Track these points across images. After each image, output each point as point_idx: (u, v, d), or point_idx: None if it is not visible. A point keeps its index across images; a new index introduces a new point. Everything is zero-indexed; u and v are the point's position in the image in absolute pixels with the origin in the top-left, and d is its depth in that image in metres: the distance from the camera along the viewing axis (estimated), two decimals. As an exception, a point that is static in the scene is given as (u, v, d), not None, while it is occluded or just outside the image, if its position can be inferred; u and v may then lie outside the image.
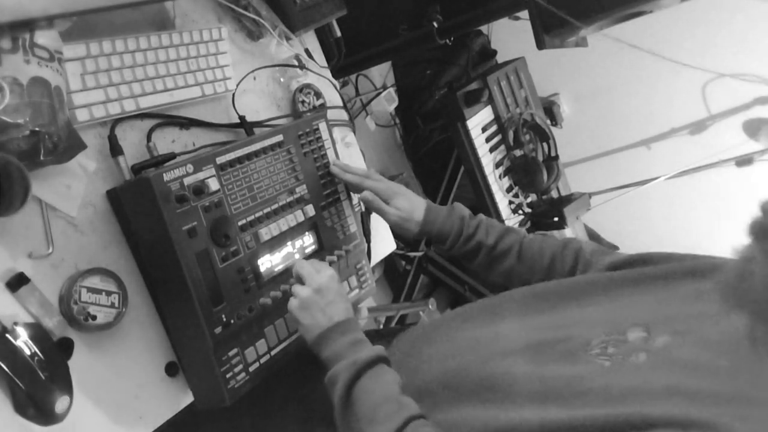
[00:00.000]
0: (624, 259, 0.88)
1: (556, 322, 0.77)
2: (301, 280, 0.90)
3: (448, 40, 1.66)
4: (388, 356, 0.81)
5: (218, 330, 0.88)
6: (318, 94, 1.25)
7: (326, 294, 0.86)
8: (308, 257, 1.03)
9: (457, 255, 1.05)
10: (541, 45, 1.53)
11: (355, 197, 1.14)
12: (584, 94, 2.60)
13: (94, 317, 0.83)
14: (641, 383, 0.61)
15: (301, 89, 1.21)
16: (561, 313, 0.79)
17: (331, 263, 1.05)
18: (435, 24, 1.64)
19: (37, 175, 0.80)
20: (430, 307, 2.16)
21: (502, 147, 1.71)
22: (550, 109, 2.36)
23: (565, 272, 0.97)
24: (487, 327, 0.83)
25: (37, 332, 0.78)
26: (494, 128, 1.71)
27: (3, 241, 0.79)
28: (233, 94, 1.07)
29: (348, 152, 1.30)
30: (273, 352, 0.97)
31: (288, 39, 1.19)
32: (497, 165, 1.69)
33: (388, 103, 2.51)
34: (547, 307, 0.81)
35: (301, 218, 1.03)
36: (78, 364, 0.83)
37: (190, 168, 0.87)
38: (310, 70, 1.25)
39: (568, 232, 1.82)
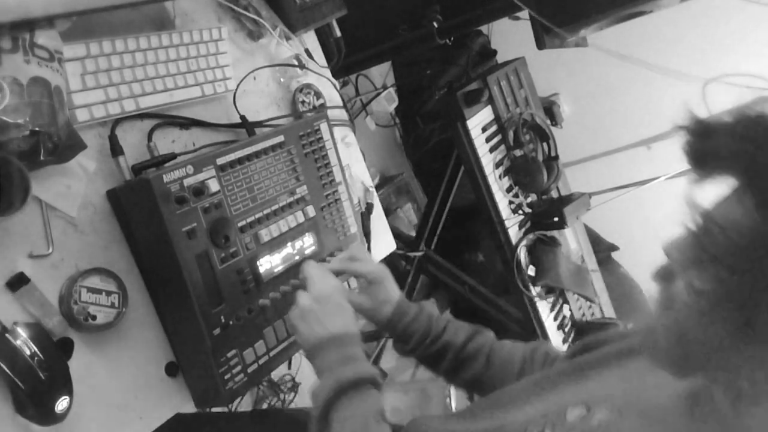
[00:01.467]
0: (571, 350, 0.87)
1: (498, 418, 0.76)
2: (305, 283, 0.88)
3: (448, 40, 1.67)
4: None
5: (217, 331, 0.88)
6: (318, 94, 1.25)
7: (326, 304, 0.84)
8: (307, 258, 1.03)
9: (421, 358, 0.98)
10: (541, 45, 1.53)
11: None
12: (584, 94, 2.60)
13: (94, 317, 0.83)
14: None
15: (301, 89, 1.21)
16: (502, 412, 0.77)
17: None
18: (435, 24, 1.64)
19: (37, 175, 0.80)
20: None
21: (502, 147, 1.71)
22: (550, 109, 2.36)
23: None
24: None
25: (37, 332, 0.78)
26: (494, 128, 1.71)
27: (3, 241, 0.79)
28: (234, 94, 1.07)
29: (348, 152, 1.30)
30: (271, 354, 0.97)
31: (288, 39, 1.19)
32: (497, 165, 1.69)
33: (388, 103, 2.51)
34: (489, 406, 0.80)
35: (302, 219, 1.03)
36: (78, 364, 0.83)
37: (190, 169, 0.87)
38: (310, 70, 1.25)
39: (568, 232, 1.82)
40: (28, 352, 0.76)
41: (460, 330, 0.97)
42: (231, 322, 0.90)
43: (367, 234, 1.24)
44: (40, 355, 0.77)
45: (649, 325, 0.59)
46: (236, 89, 1.08)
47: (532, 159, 1.69)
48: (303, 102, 1.21)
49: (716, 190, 0.54)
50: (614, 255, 2.44)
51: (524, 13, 1.53)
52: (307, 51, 1.24)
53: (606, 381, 0.71)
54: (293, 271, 1.01)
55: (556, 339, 1.79)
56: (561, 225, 1.69)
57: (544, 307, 1.76)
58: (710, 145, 0.54)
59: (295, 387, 2.22)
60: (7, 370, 0.75)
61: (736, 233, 0.49)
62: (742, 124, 0.52)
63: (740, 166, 0.51)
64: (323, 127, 1.10)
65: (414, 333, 0.96)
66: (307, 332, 0.82)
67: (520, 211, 1.73)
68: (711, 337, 0.52)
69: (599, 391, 0.69)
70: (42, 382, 0.76)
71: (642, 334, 0.61)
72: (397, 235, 2.01)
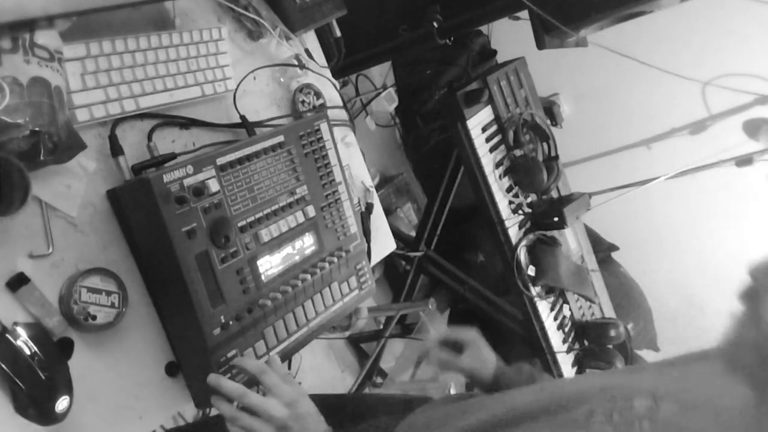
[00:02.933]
0: None
1: (562, 392, 0.77)
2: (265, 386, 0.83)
3: (448, 40, 1.66)
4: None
5: (217, 331, 0.88)
6: (318, 94, 1.25)
7: (304, 420, 0.81)
8: (307, 258, 1.03)
9: None
10: (541, 45, 1.53)
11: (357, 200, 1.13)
12: (584, 94, 2.60)
13: (94, 317, 0.83)
14: None
15: (301, 89, 1.21)
16: (568, 384, 0.79)
17: (330, 263, 1.05)
18: (435, 24, 1.64)
19: (37, 175, 0.80)
20: (430, 307, 2.16)
21: (502, 147, 1.71)
22: (550, 109, 2.36)
23: None
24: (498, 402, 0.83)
25: (37, 332, 0.78)
26: (494, 128, 1.71)
27: (3, 241, 0.79)
28: (234, 94, 1.07)
29: (348, 152, 1.30)
30: (272, 354, 0.97)
31: (288, 39, 1.19)
32: (497, 165, 1.69)
33: (388, 103, 2.52)
34: (558, 383, 0.81)
35: (302, 219, 1.03)
36: (78, 364, 0.83)
37: (190, 169, 0.87)
38: (310, 70, 1.25)
39: (568, 232, 1.82)
40: (28, 352, 0.76)
41: None
42: (231, 322, 0.90)
43: (367, 234, 1.24)
44: (40, 355, 0.77)
45: (732, 338, 0.60)
46: (236, 89, 1.08)
47: (532, 159, 1.69)
48: (303, 102, 1.21)
49: None
50: (614, 255, 2.44)
51: (524, 13, 1.54)
52: (307, 51, 1.24)
53: (674, 377, 0.72)
54: (293, 271, 1.01)
55: (556, 339, 1.79)
56: (561, 225, 1.69)
57: (544, 307, 1.76)
58: None
59: (295, 387, 2.22)
60: (7, 370, 0.75)
61: None
62: None
63: None
64: (323, 127, 1.10)
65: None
66: None
67: (520, 211, 1.73)
68: None
69: (668, 385, 0.69)
70: (42, 382, 0.76)
71: (723, 344, 0.62)
72: (397, 235, 2.01)
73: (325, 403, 0.87)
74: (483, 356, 1.03)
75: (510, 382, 1.00)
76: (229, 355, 0.90)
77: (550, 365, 1.77)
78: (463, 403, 0.87)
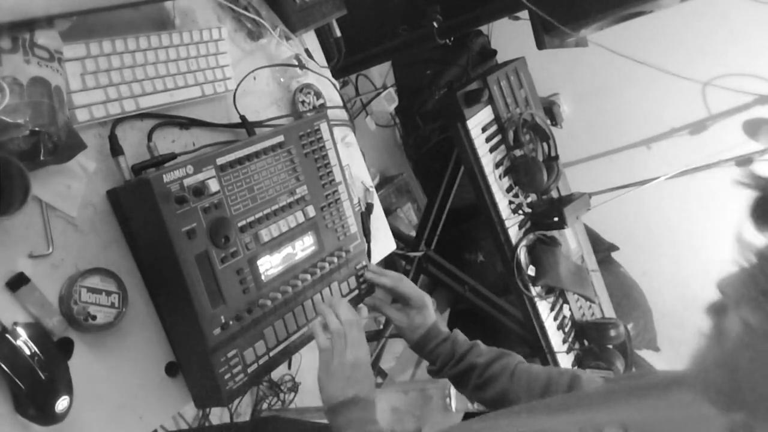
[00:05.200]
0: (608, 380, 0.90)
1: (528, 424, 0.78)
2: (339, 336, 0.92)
3: (448, 40, 1.67)
4: None
5: (217, 331, 0.88)
6: (318, 94, 1.25)
7: (358, 370, 0.89)
8: (307, 258, 1.03)
9: (449, 378, 1.08)
10: (541, 45, 1.53)
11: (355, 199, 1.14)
12: (584, 94, 2.60)
13: (94, 317, 0.83)
14: None
15: (301, 89, 1.21)
16: (538, 419, 0.79)
17: (330, 263, 1.05)
18: (435, 24, 1.64)
19: (37, 175, 0.80)
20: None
21: (502, 147, 1.71)
22: (550, 109, 2.36)
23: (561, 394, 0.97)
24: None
25: (37, 332, 0.78)
26: (494, 128, 1.71)
27: (3, 241, 0.79)
28: (234, 94, 1.07)
29: (348, 152, 1.30)
30: (272, 353, 0.97)
31: (288, 39, 1.19)
32: (497, 165, 1.69)
33: (388, 103, 2.51)
34: (529, 413, 0.82)
35: (302, 219, 1.03)
36: (78, 364, 0.83)
37: (190, 169, 0.87)
38: (310, 70, 1.25)
39: (568, 232, 1.82)
40: (28, 352, 0.76)
41: (485, 352, 1.06)
42: (231, 322, 0.90)
43: (367, 234, 1.24)
44: (40, 355, 0.77)
45: (699, 357, 0.60)
46: (236, 89, 1.08)
47: (532, 159, 1.69)
48: (303, 102, 1.21)
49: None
50: (614, 255, 2.44)
51: (524, 13, 1.54)
52: (307, 51, 1.24)
53: (645, 408, 0.72)
54: (293, 271, 1.01)
55: (556, 339, 1.79)
56: (561, 225, 1.69)
57: (544, 307, 1.76)
58: None
59: (295, 387, 2.22)
60: (7, 370, 0.75)
61: None
62: None
63: None
64: (323, 127, 1.10)
65: (439, 355, 1.06)
66: (335, 392, 0.88)
67: (520, 211, 1.73)
68: (761, 373, 0.53)
69: (638, 416, 0.70)
70: (42, 382, 0.76)
71: (691, 365, 0.62)
72: (397, 235, 2.01)
73: None
74: (417, 322, 1.08)
75: (431, 350, 1.07)
76: (229, 354, 0.90)
77: (550, 365, 1.77)
78: None
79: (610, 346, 1.83)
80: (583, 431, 0.69)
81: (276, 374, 2.18)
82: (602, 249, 2.37)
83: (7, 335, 0.76)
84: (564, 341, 1.82)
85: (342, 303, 0.96)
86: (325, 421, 0.89)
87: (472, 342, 1.07)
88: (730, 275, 0.57)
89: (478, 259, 2.50)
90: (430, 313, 1.09)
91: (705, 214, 2.38)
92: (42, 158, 0.76)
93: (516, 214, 1.72)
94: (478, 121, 1.67)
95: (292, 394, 2.22)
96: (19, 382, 0.75)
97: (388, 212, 2.71)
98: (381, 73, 2.73)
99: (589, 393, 0.83)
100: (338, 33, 1.34)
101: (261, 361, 0.95)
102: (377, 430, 0.84)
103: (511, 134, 1.70)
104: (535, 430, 0.74)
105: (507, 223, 1.69)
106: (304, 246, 1.03)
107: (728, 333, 0.56)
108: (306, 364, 2.23)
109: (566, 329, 1.83)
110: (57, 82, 0.78)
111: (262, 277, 0.95)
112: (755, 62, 2.15)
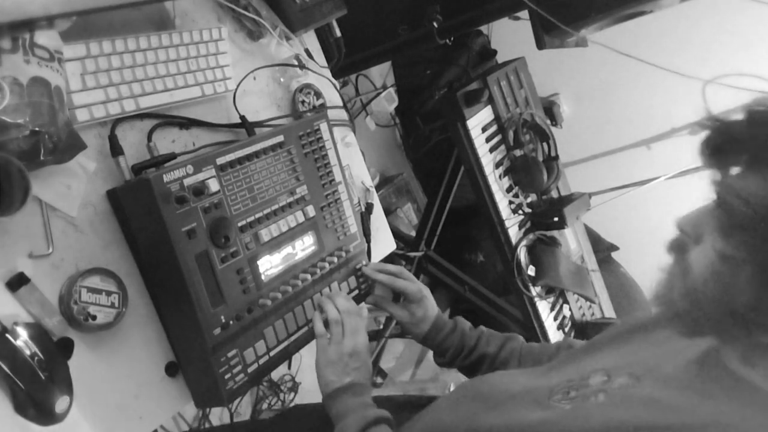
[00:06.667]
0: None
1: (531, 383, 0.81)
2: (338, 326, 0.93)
3: (448, 40, 1.67)
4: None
5: (217, 331, 0.88)
6: (318, 94, 1.25)
7: (356, 360, 0.91)
8: (307, 258, 1.03)
9: (460, 369, 1.08)
10: (541, 45, 1.53)
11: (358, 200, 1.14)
12: (584, 94, 2.60)
13: (94, 317, 0.83)
14: (599, 420, 0.64)
15: (301, 89, 1.21)
16: (535, 379, 0.83)
17: (330, 263, 1.05)
18: (435, 24, 1.64)
19: (37, 175, 0.80)
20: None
21: (502, 147, 1.71)
22: (550, 109, 2.36)
23: None
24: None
25: (37, 332, 0.78)
26: (494, 128, 1.71)
27: (3, 241, 0.79)
28: (234, 94, 1.07)
29: (348, 152, 1.30)
30: (272, 353, 0.97)
31: (288, 39, 1.19)
32: (497, 165, 1.69)
33: (388, 103, 2.52)
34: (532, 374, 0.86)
35: (302, 219, 1.03)
36: (78, 364, 0.83)
37: (190, 169, 0.87)
38: (310, 70, 1.25)
39: (568, 232, 1.82)
40: (28, 352, 0.76)
41: (492, 340, 1.06)
42: (231, 322, 0.90)
43: (367, 234, 1.24)
44: (40, 355, 0.77)
45: (665, 294, 0.64)
46: (236, 89, 1.08)
47: (532, 159, 1.69)
48: (303, 102, 1.21)
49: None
50: (614, 255, 2.44)
51: (524, 13, 1.54)
52: (307, 51, 1.24)
53: (625, 352, 0.76)
54: (293, 271, 1.01)
55: (556, 339, 1.79)
56: (561, 225, 1.69)
57: (544, 307, 1.76)
58: (729, 134, 0.60)
59: (295, 387, 2.22)
60: (7, 370, 0.75)
61: (761, 205, 0.55)
62: (757, 113, 0.59)
63: (759, 144, 0.57)
64: (323, 127, 1.10)
65: (449, 347, 1.06)
66: (332, 380, 0.89)
67: (520, 211, 1.73)
68: (730, 297, 0.57)
69: (619, 360, 0.73)
70: (42, 382, 0.76)
71: (659, 304, 0.66)
72: (397, 235, 2.01)
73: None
74: (418, 315, 1.07)
75: (440, 342, 1.06)
76: (229, 354, 0.90)
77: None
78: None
79: (610, 346, 1.83)
80: (571, 382, 0.72)
81: (276, 374, 2.18)
82: (602, 249, 2.37)
83: (7, 335, 0.76)
84: (564, 341, 1.82)
85: (341, 294, 0.97)
86: None
87: (478, 331, 1.08)
88: (689, 214, 0.62)
89: (478, 259, 2.50)
90: (431, 304, 1.09)
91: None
92: (42, 158, 0.76)
93: (516, 214, 1.72)
94: (478, 121, 1.67)
95: (292, 394, 2.22)
96: (19, 382, 0.75)
97: (388, 212, 2.71)
98: (381, 73, 2.73)
99: (577, 349, 0.87)
100: (338, 33, 1.34)
101: (261, 361, 0.95)
102: (377, 414, 0.85)
103: (511, 134, 1.70)
104: (528, 387, 0.77)
105: (507, 223, 1.69)
106: (304, 246, 1.03)
107: (692, 265, 0.61)
108: (306, 364, 2.23)
109: (566, 329, 1.83)
110: (57, 82, 0.78)
111: (262, 277, 0.95)
112: (755, 62, 2.15)
